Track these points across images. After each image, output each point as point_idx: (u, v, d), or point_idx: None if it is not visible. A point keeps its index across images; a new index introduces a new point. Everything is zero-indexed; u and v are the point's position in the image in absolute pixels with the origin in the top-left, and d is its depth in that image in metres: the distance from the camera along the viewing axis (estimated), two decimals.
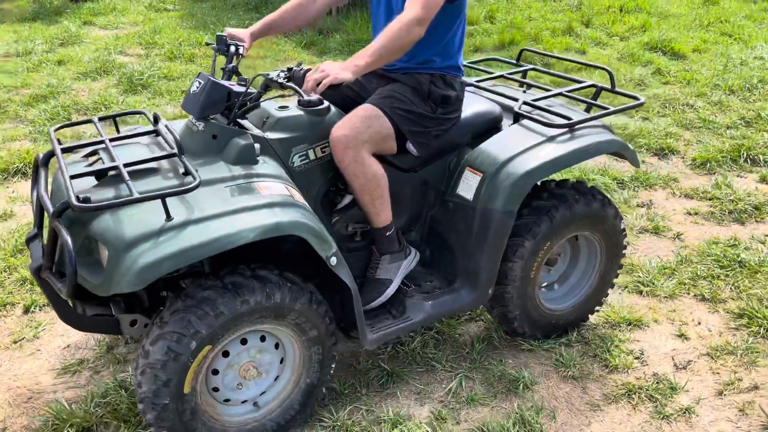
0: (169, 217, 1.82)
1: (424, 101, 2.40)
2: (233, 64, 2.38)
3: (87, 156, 2.24)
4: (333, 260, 2.04)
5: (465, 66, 3.13)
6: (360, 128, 2.25)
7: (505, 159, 2.38)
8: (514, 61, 3.16)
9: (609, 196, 2.68)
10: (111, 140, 2.15)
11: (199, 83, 2.16)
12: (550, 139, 2.44)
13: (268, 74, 2.20)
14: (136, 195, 1.80)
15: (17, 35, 7.46)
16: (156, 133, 2.21)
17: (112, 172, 2.04)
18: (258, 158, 2.15)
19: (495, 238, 2.37)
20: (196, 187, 1.84)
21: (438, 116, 2.42)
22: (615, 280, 2.81)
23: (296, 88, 2.10)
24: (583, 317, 2.80)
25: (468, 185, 2.44)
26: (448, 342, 2.73)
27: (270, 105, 2.36)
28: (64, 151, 2.15)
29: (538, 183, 2.54)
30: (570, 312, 2.73)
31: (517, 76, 3.05)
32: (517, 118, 2.57)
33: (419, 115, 2.37)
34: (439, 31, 2.38)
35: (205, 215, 1.87)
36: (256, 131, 2.25)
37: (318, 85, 2.04)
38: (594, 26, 7.88)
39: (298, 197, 2.08)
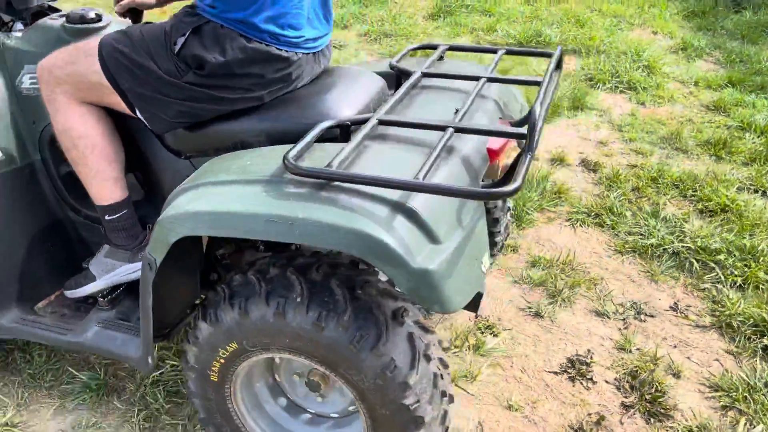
0: None
1: (167, 56, 1.59)
2: None
3: None
4: None
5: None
6: (61, 62, 1.67)
7: (193, 183, 1.44)
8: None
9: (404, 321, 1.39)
10: None
11: None
12: (270, 183, 1.36)
13: None
14: None
15: None
16: None
17: None
18: None
19: (143, 287, 1.51)
20: None
21: (186, 84, 1.58)
22: None
23: None
24: None
25: None
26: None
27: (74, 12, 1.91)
28: None
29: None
30: None
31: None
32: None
33: (150, 73, 1.60)
34: None
35: None
36: (15, 33, 1.87)
37: None
38: None
39: None
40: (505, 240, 2.34)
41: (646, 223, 2.84)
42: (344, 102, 1.65)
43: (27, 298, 1.87)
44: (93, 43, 1.66)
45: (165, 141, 1.75)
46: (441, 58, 2.03)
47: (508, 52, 1.98)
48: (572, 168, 3.35)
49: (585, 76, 4.39)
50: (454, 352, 2.18)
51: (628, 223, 2.87)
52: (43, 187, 1.90)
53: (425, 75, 1.81)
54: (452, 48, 2.04)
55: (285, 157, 1.33)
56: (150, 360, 1.62)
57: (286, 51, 1.61)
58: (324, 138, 1.51)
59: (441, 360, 1.49)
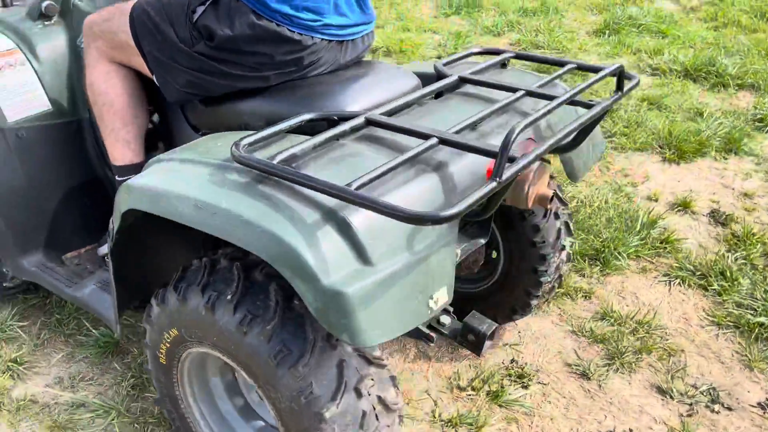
0: None
1: (185, 23, 1.56)
2: None
3: None
4: None
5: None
6: (100, 18, 1.74)
7: (163, 157, 1.40)
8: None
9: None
10: None
11: None
12: (218, 169, 1.26)
13: None
14: None
15: None
16: None
17: None
18: (50, 17, 1.92)
19: (109, 254, 1.50)
20: None
21: (196, 54, 1.54)
22: None
23: None
24: None
25: None
26: None
27: None
28: None
29: None
30: None
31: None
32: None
33: (167, 38, 1.58)
34: None
35: None
36: None
37: None
38: None
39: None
40: (558, 284, 2.04)
41: (765, 296, 2.35)
42: (356, 97, 1.51)
43: (55, 246, 1.96)
44: (131, 3, 1.68)
45: (186, 115, 1.73)
46: (504, 65, 1.81)
47: (579, 68, 1.71)
48: (696, 217, 2.87)
49: (753, 116, 3.78)
50: (469, 395, 1.94)
51: (741, 292, 2.39)
52: (87, 144, 1.97)
53: (463, 80, 1.61)
54: (518, 56, 1.81)
55: (235, 143, 1.23)
56: (118, 327, 1.61)
57: (300, 34, 1.51)
58: (315, 132, 1.39)
59: (381, 399, 1.30)
